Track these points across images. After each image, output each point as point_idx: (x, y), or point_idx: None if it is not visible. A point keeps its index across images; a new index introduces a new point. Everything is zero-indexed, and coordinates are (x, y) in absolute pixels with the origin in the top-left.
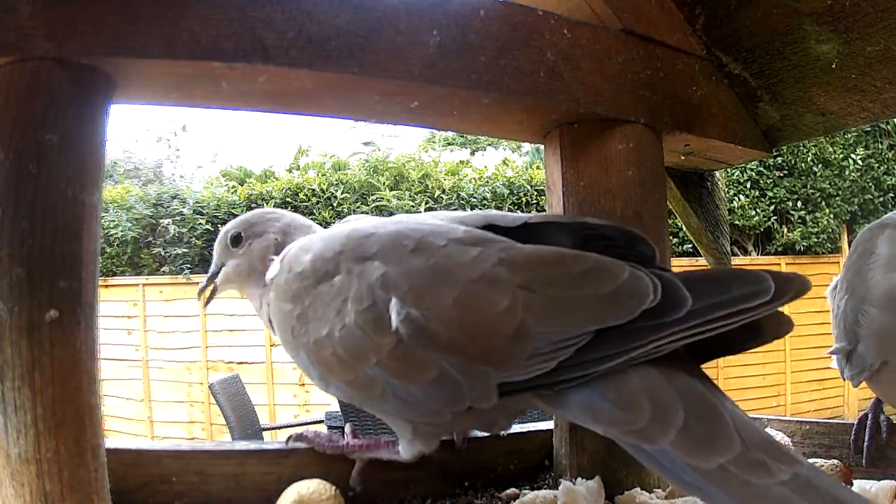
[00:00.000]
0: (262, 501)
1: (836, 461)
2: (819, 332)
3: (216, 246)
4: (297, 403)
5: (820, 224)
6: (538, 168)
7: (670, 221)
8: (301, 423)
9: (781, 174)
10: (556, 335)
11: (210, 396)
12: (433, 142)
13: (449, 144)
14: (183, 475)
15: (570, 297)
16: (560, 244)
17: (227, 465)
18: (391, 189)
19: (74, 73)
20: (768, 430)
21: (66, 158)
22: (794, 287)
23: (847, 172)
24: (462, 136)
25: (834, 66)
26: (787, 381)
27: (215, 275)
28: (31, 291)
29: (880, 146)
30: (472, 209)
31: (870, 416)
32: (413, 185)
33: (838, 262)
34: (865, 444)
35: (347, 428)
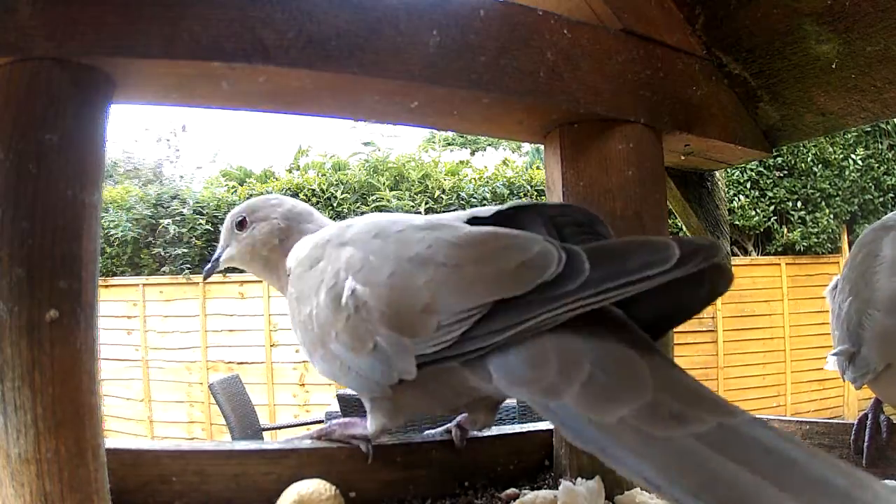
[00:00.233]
0: (262, 501)
1: None
2: (819, 333)
3: (223, 230)
4: (297, 403)
5: (820, 224)
6: (538, 168)
7: (670, 221)
8: (301, 423)
9: (781, 174)
10: (457, 307)
11: (210, 396)
12: (433, 142)
13: (449, 144)
14: (183, 475)
15: (478, 272)
16: (534, 231)
17: (227, 465)
18: (391, 189)
19: (74, 73)
20: None
21: (66, 158)
22: (702, 254)
23: (847, 172)
24: (462, 136)
25: (834, 66)
26: (787, 381)
27: (220, 256)
28: (31, 291)
29: (880, 146)
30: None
31: (870, 416)
32: (413, 186)
33: (838, 263)
34: (865, 444)
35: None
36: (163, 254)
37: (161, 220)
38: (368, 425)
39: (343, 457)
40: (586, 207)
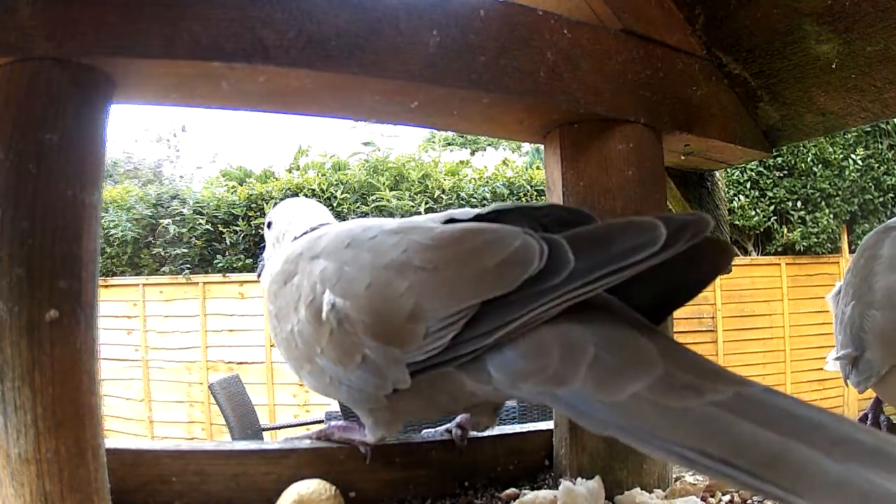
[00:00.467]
0: (262, 501)
1: None
2: (819, 333)
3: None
4: (296, 403)
5: (820, 224)
6: (538, 168)
7: None
8: (301, 423)
9: (781, 174)
10: (443, 312)
11: (210, 396)
12: (433, 142)
13: (449, 144)
14: (183, 475)
15: (460, 273)
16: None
17: (227, 465)
18: (391, 189)
19: (74, 73)
20: None
21: (66, 158)
22: (690, 230)
23: (847, 172)
24: (462, 136)
25: (834, 66)
26: (787, 382)
27: (262, 256)
28: (31, 291)
29: (880, 146)
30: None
31: (870, 416)
32: (413, 186)
33: (838, 263)
34: None
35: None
36: (163, 254)
37: (161, 220)
38: (368, 434)
39: (343, 457)
40: (580, 206)
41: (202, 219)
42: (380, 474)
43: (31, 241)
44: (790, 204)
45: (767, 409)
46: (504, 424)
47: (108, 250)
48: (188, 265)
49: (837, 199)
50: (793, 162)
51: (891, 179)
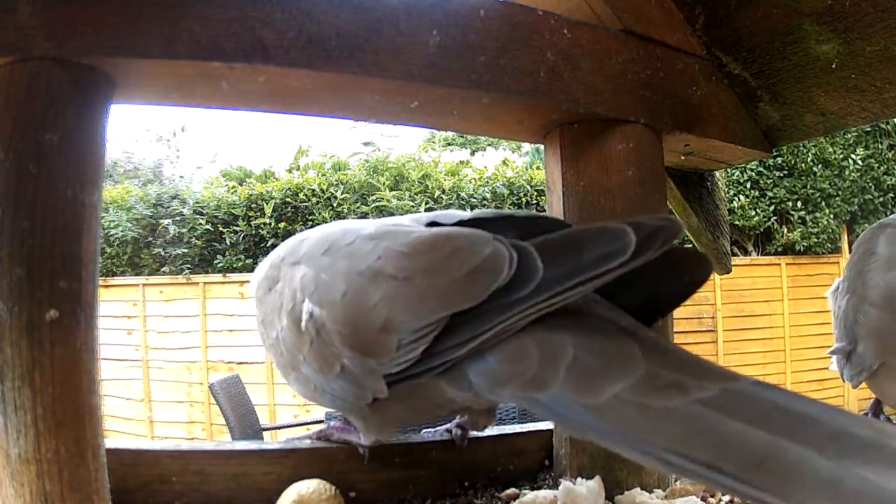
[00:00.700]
0: (262, 501)
1: None
2: (819, 333)
3: None
4: (297, 403)
5: (820, 224)
6: (538, 168)
7: None
8: (301, 423)
9: (781, 174)
10: (414, 324)
11: (210, 396)
12: (433, 142)
13: (449, 144)
14: (183, 475)
15: (430, 283)
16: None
17: (227, 465)
18: (391, 189)
19: (74, 73)
20: None
21: (66, 158)
22: (661, 237)
23: (847, 172)
24: (462, 136)
25: (834, 66)
26: (787, 382)
27: None
28: (31, 291)
29: (880, 146)
30: (471, 209)
31: (870, 416)
32: (413, 186)
33: (838, 263)
34: None
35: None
36: (163, 254)
37: (161, 220)
38: (362, 438)
39: (343, 457)
40: (557, 218)
41: (202, 219)
42: (380, 474)
43: (31, 241)
44: (790, 204)
45: (757, 405)
46: (504, 424)
47: (108, 250)
48: (188, 265)
49: (837, 199)
50: (793, 162)
51: (891, 179)
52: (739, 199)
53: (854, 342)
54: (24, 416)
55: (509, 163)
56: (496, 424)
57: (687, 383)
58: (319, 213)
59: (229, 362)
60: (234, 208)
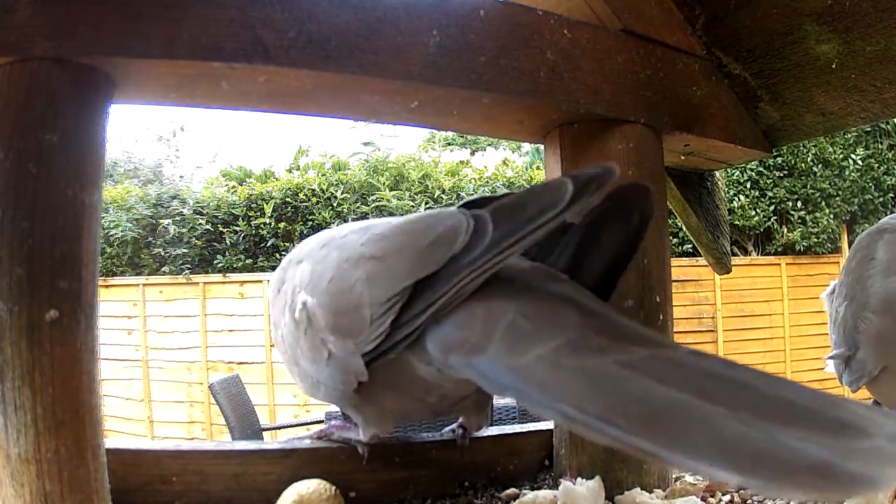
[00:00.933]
0: (262, 501)
1: None
2: (819, 333)
3: None
4: (297, 403)
5: (820, 224)
6: (538, 168)
7: (670, 221)
8: (301, 423)
9: (781, 174)
10: (382, 297)
11: (210, 396)
12: (433, 142)
13: (449, 144)
14: (183, 475)
15: (399, 258)
16: None
17: (227, 465)
18: (391, 189)
19: (74, 73)
20: None
21: (66, 158)
22: (596, 182)
23: (847, 172)
24: (462, 136)
25: (834, 66)
26: None
27: None
28: (31, 291)
29: (880, 146)
30: None
31: None
32: (413, 186)
33: (838, 263)
34: None
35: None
36: (163, 254)
37: (161, 220)
38: (361, 434)
39: (343, 457)
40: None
41: (202, 219)
42: (380, 474)
43: (31, 241)
44: (790, 204)
45: (682, 370)
46: (504, 424)
47: (108, 250)
48: (188, 265)
49: (837, 199)
50: (793, 162)
51: (891, 179)
52: (739, 199)
53: (854, 348)
54: (24, 416)
55: (509, 163)
56: (496, 424)
57: (612, 347)
58: (319, 213)
59: (229, 362)
60: (234, 208)
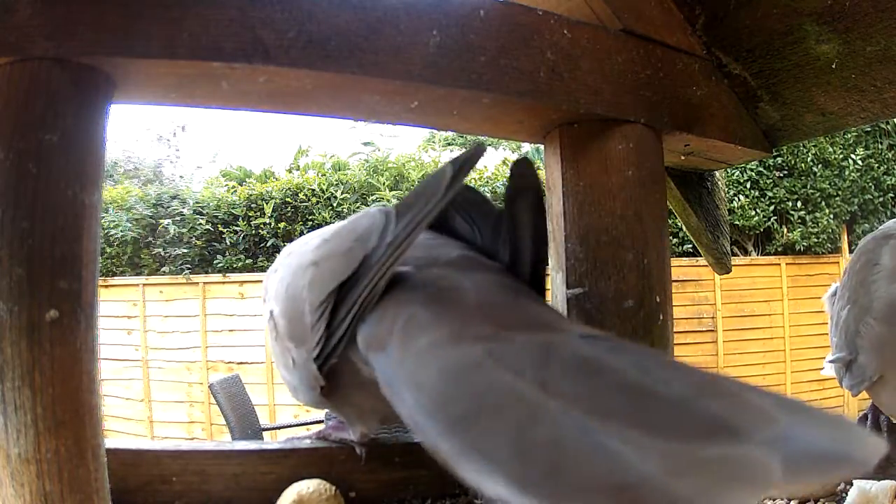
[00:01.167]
0: (262, 501)
1: None
2: (819, 333)
3: None
4: (297, 403)
5: (820, 224)
6: (538, 168)
7: (670, 221)
8: (301, 423)
9: (781, 174)
10: (315, 304)
11: (210, 396)
12: (433, 142)
13: (449, 144)
14: (183, 475)
15: (329, 263)
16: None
17: (227, 465)
18: (391, 189)
19: (74, 73)
20: None
21: (66, 158)
22: (470, 161)
23: (847, 172)
24: (462, 136)
25: (834, 66)
26: (787, 381)
27: None
28: (31, 291)
29: (880, 146)
30: None
31: (869, 416)
32: (413, 186)
33: (838, 263)
34: None
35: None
36: (163, 254)
37: (161, 220)
38: (350, 433)
39: (343, 457)
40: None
41: (202, 219)
42: (380, 474)
43: (31, 241)
44: (790, 204)
45: (552, 358)
46: None
47: (108, 250)
48: (188, 265)
49: (837, 199)
50: (793, 162)
51: (891, 179)
52: (739, 199)
53: (854, 352)
54: (24, 416)
55: (509, 163)
56: None
57: (494, 335)
58: (319, 213)
59: (229, 362)
60: (234, 208)
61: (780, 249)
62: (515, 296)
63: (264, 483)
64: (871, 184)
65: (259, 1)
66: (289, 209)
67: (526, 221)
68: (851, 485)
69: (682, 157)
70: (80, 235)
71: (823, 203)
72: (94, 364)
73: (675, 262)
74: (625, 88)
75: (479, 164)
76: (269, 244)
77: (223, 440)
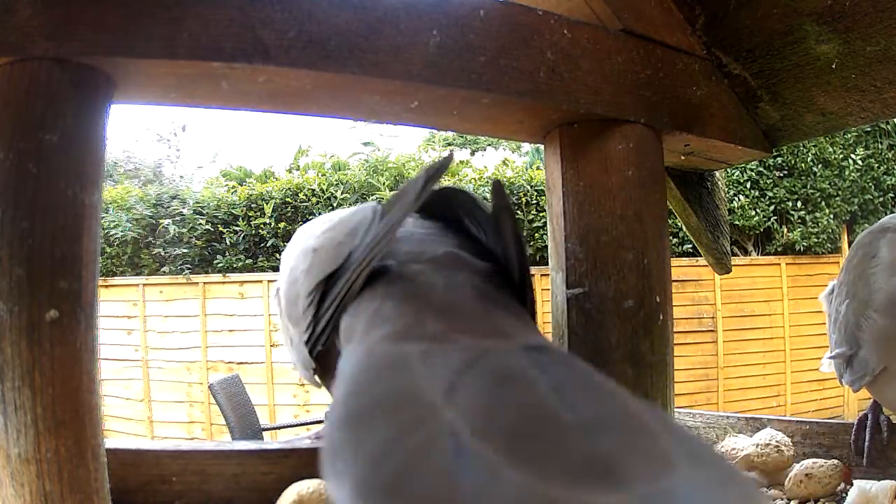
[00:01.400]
0: (262, 501)
1: (835, 461)
2: (819, 332)
3: None
4: (297, 403)
5: (820, 224)
6: (538, 168)
7: (670, 221)
8: (301, 423)
9: (781, 174)
10: (307, 290)
11: (210, 396)
12: (433, 142)
13: (449, 144)
14: (183, 475)
15: (323, 253)
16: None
17: (227, 465)
18: (391, 189)
19: (74, 73)
20: (768, 429)
21: (66, 158)
22: (438, 170)
23: (847, 172)
24: (462, 136)
25: (834, 66)
26: (787, 381)
27: None
28: (31, 291)
29: (880, 146)
30: None
31: (870, 416)
32: None
33: (838, 263)
34: (866, 444)
35: None
36: (163, 254)
37: (161, 220)
38: None
39: None
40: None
41: (202, 219)
42: None
43: (31, 241)
44: (790, 204)
45: (477, 368)
46: None
47: (108, 250)
48: (188, 265)
49: (837, 199)
50: (793, 162)
51: (891, 179)
52: (739, 199)
53: (855, 347)
54: (24, 416)
55: (509, 163)
56: None
57: (440, 335)
58: (319, 213)
59: (229, 362)
60: (234, 208)
61: (780, 249)
62: (484, 299)
63: (264, 483)
64: (871, 184)
65: (259, 1)
66: (289, 209)
67: (509, 229)
68: (851, 485)
69: (682, 157)
70: (80, 235)
71: (823, 203)
72: (94, 364)
73: (675, 262)
74: (625, 88)
75: (479, 165)
76: (269, 244)
77: (223, 440)
